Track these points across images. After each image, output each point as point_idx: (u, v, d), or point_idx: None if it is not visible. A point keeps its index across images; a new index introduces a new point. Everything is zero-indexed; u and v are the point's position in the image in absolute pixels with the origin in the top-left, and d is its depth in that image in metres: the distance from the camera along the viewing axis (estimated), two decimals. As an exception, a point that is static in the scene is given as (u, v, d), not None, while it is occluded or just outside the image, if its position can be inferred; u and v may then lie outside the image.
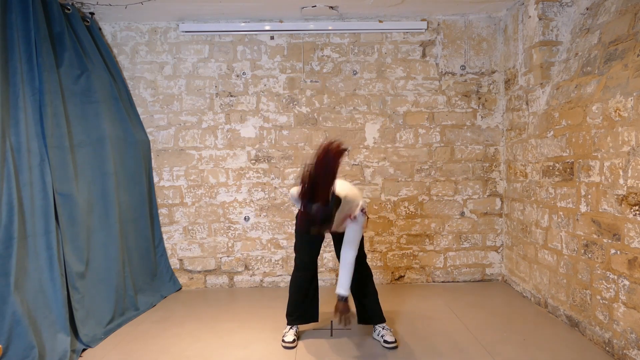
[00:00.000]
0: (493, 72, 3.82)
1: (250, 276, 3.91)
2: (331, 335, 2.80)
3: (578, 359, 2.43)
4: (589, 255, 2.62)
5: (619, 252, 2.36)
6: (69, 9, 3.09)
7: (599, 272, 2.53)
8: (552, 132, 3.01)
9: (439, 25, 3.80)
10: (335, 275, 3.87)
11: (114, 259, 3.15)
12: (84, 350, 2.64)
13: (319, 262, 3.87)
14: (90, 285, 2.87)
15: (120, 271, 3.20)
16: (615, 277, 2.39)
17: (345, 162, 3.83)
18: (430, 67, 3.82)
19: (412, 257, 3.89)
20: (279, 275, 3.89)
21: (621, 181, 2.33)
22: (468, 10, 3.68)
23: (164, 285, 3.74)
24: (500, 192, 3.87)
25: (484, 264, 3.90)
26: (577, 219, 2.73)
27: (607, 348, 2.47)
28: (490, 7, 3.62)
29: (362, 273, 2.66)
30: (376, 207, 3.86)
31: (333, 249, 2.88)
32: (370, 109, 3.83)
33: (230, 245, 3.88)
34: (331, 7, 3.48)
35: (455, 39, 3.80)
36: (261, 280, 3.91)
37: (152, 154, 3.83)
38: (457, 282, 3.90)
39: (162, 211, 3.86)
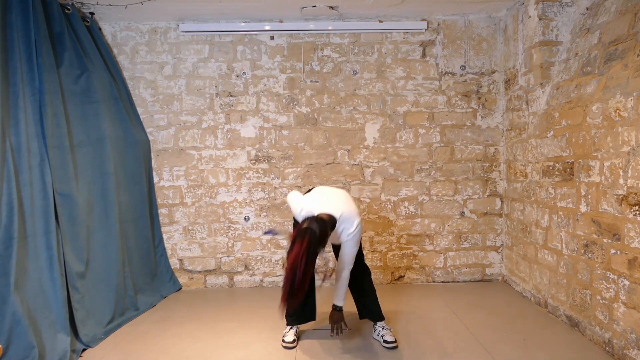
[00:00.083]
0: (493, 72, 3.82)
1: (250, 276, 3.91)
2: (331, 335, 2.80)
3: (578, 359, 2.43)
4: (589, 255, 2.62)
5: (619, 252, 2.36)
6: (69, 9, 3.09)
7: (599, 272, 2.53)
8: (552, 132, 3.01)
9: (439, 25, 3.80)
10: (336, 275, 3.86)
11: (114, 259, 3.15)
12: (84, 350, 2.64)
13: (319, 262, 3.87)
14: (90, 285, 2.87)
15: (120, 271, 3.20)
16: (615, 277, 2.39)
17: (345, 163, 3.83)
18: (430, 67, 3.82)
19: (412, 257, 3.89)
20: (279, 275, 3.89)
21: (621, 181, 2.33)
22: (468, 10, 3.68)
23: (164, 285, 3.74)
24: (500, 192, 3.87)
25: (484, 264, 3.90)
26: (577, 219, 2.73)
27: (607, 348, 2.47)
28: (490, 7, 3.62)
29: (359, 272, 2.66)
30: (376, 207, 3.86)
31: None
32: (370, 109, 3.83)
33: (230, 245, 3.88)
34: (331, 7, 3.48)
35: (455, 39, 3.80)
36: (261, 280, 3.91)
37: (152, 154, 3.83)
38: (457, 282, 3.90)
39: (162, 211, 3.86)
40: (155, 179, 3.85)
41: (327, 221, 2.23)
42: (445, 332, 2.81)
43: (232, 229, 3.87)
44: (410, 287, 3.81)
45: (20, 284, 2.34)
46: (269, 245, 3.88)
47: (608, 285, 2.45)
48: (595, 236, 2.56)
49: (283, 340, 2.67)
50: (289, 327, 2.75)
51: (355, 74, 3.82)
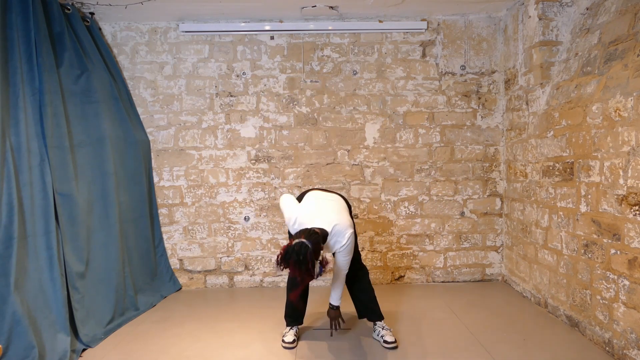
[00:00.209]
0: (493, 72, 3.82)
1: (250, 276, 3.91)
2: (331, 335, 2.80)
3: (578, 359, 2.43)
4: (589, 255, 2.62)
5: (619, 252, 2.36)
6: (69, 9, 3.09)
7: (599, 272, 2.53)
8: (552, 132, 3.01)
9: (439, 25, 3.80)
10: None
11: (114, 259, 3.15)
12: (84, 350, 2.64)
13: (319, 262, 3.88)
14: (90, 285, 2.87)
15: (120, 271, 3.20)
16: (615, 277, 2.39)
17: (345, 163, 3.84)
18: (430, 67, 3.82)
19: (412, 257, 3.89)
20: (279, 275, 3.89)
21: (621, 181, 2.33)
22: (468, 10, 3.68)
23: (164, 285, 3.74)
24: (500, 192, 3.87)
25: (484, 264, 3.90)
26: (577, 219, 2.73)
27: (607, 348, 2.47)
28: (490, 7, 3.62)
29: (357, 272, 2.67)
30: (376, 207, 3.86)
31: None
32: (370, 109, 3.83)
33: (230, 245, 3.88)
34: (331, 7, 3.48)
35: (455, 39, 3.81)
36: (261, 280, 3.91)
37: (152, 154, 3.83)
38: (457, 282, 3.90)
39: (162, 211, 3.86)
40: (155, 179, 3.85)
41: (319, 235, 2.26)
42: (445, 332, 2.81)
43: (232, 229, 3.87)
44: (410, 287, 3.81)
45: (20, 284, 2.34)
46: (269, 245, 3.88)
47: (608, 285, 2.45)
48: (595, 236, 2.56)
49: (283, 341, 2.67)
50: (289, 327, 2.75)
51: (355, 74, 3.82)
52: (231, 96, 3.83)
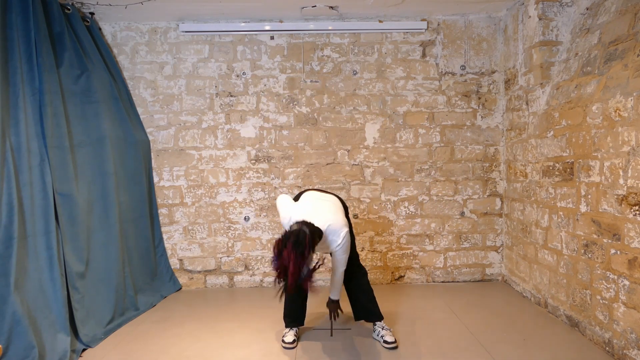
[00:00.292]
0: (493, 72, 3.82)
1: (250, 276, 3.91)
2: (331, 335, 2.80)
3: (578, 359, 2.43)
4: (589, 255, 2.62)
5: (619, 252, 2.36)
6: (69, 9, 3.09)
7: (599, 272, 2.53)
8: (552, 132, 3.01)
9: (439, 25, 3.80)
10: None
11: (114, 259, 3.15)
12: (84, 350, 2.64)
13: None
14: (90, 285, 2.87)
15: (120, 271, 3.20)
16: (615, 277, 2.39)
17: (345, 163, 3.83)
18: (430, 67, 3.82)
19: (412, 257, 3.89)
20: (279, 275, 3.89)
21: (621, 181, 2.33)
22: (468, 10, 3.68)
23: (164, 285, 3.74)
24: (500, 192, 3.87)
25: (484, 264, 3.90)
26: (577, 219, 2.73)
27: (607, 348, 2.47)
28: (490, 7, 3.62)
29: (355, 273, 2.68)
30: (376, 207, 3.86)
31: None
32: (370, 109, 3.83)
33: (230, 245, 3.88)
34: (331, 7, 3.48)
35: (455, 39, 3.81)
36: (261, 280, 3.91)
37: (152, 154, 3.83)
38: (457, 282, 3.90)
39: (162, 211, 3.86)
40: (155, 179, 3.85)
41: (316, 227, 2.29)
42: (445, 332, 2.81)
43: (232, 229, 3.87)
44: (410, 287, 3.81)
45: (20, 284, 2.34)
46: (269, 245, 3.88)
47: (608, 285, 2.45)
48: (595, 236, 2.56)
49: (283, 341, 2.67)
50: (289, 328, 2.75)
51: (355, 74, 3.82)
52: (231, 96, 3.83)
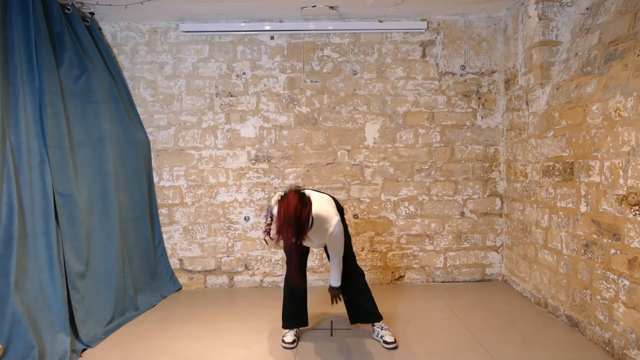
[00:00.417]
0: (493, 72, 3.82)
1: (250, 276, 3.91)
2: (331, 335, 2.80)
3: (578, 359, 2.43)
4: (589, 255, 2.62)
5: (619, 252, 2.36)
6: (69, 9, 3.09)
7: (599, 272, 2.53)
8: (552, 132, 3.01)
9: (439, 25, 3.80)
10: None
11: (114, 259, 3.15)
12: (84, 350, 2.64)
13: (320, 262, 3.88)
14: (90, 285, 2.87)
15: (120, 271, 3.20)
16: (615, 277, 2.39)
17: (345, 163, 3.83)
18: (430, 67, 3.82)
19: (412, 257, 3.89)
20: (278, 275, 3.89)
21: (621, 181, 2.33)
22: (468, 10, 3.68)
23: (164, 285, 3.74)
24: (500, 192, 3.87)
25: (484, 264, 3.90)
26: (577, 219, 2.73)
27: (607, 348, 2.47)
28: (490, 7, 3.62)
29: (351, 273, 2.68)
30: (376, 207, 3.86)
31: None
32: (370, 109, 3.83)
33: (230, 245, 3.88)
34: (331, 7, 3.48)
35: (455, 39, 3.80)
36: (261, 280, 3.91)
37: (152, 154, 3.83)
38: (457, 282, 3.90)
39: (162, 211, 3.86)
40: (155, 179, 3.85)
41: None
42: (445, 332, 2.81)
43: (232, 229, 3.87)
44: (410, 287, 3.81)
45: (20, 284, 2.34)
46: (269, 245, 3.88)
47: (608, 285, 2.45)
48: (595, 236, 2.56)
49: (283, 341, 2.67)
50: (288, 329, 2.75)
51: (355, 74, 3.82)
52: (231, 96, 3.83)
